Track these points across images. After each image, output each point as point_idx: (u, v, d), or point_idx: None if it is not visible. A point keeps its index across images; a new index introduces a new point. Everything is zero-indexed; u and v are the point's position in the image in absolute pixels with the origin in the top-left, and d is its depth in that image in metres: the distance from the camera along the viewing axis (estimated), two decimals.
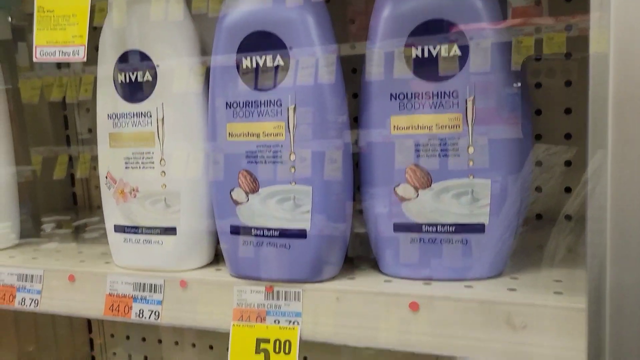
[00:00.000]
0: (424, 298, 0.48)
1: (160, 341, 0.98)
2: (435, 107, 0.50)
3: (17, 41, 0.84)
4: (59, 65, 0.92)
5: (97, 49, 0.61)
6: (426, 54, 0.49)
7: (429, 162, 0.50)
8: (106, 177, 0.62)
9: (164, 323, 0.57)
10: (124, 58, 0.59)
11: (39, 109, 0.94)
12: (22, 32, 0.83)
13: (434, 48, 0.49)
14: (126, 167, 0.60)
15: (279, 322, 0.53)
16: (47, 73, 0.86)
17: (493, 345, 0.46)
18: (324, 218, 0.52)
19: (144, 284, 0.59)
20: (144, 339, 0.99)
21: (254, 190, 0.54)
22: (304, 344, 0.51)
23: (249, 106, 0.53)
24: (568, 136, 0.71)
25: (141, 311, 0.58)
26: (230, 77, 0.53)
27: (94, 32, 0.58)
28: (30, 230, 0.80)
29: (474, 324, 0.46)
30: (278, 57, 0.52)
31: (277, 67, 0.52)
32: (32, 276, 0.64)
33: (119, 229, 0.62)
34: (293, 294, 0.53)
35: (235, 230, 0.55)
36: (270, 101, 0.52)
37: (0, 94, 0.75)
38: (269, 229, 0.53)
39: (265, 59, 0.52)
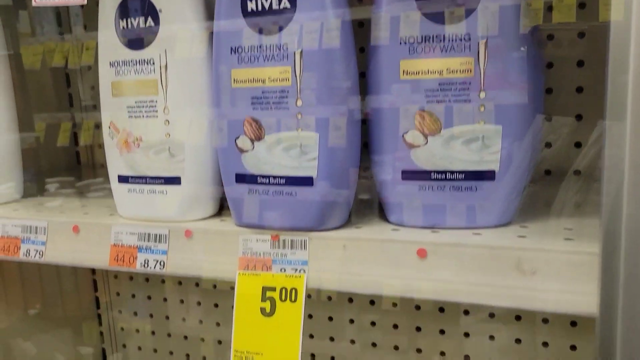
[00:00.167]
0: (432, 245, 0.47)
1: (165, 299, 0.99)
2: (446, 51, 0.48)
3: (18, 8, 0.82)
4: (60, 31, 0.91)
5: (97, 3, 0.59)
6: None
7: (439, 108, 0.49)
8: (109, 127, 0.61)
9: (169, 272, 0.57)
10: (125, 2, 0.57)
11: (42, 76, 0.93)
12: None
13: None
14: (129, 116, 0.59)
15: (285, 270, 0.52)
16: (49, 39, 0.85)
17: (502, 292, 0.45)
18: (330, 165, 0.51)
19: (149, 234, 0.58)
20: (149, 297, 1.00)
21: (260, 137, 0.53)
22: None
23: (254, 51, 0.52)
24: (579, 117, 0.69)
25: (146, 261, 0.58)
26: (234, 20, 0.52)
27: None
28: (34, 190, 0.80)
29: (482, 271, 0.46)
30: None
31: (283, 9, 0.50)
32: (36, 227, 0.64)
33: (123, 179, 0.61)
34: (299, 242, 0.52)
35: (241, 179, 0.54)
36: (275, 45, 0.51)
37: (3, 59, 0.74)
38: (274, 177, 0.52)
39: (271, 1, 0.50)
